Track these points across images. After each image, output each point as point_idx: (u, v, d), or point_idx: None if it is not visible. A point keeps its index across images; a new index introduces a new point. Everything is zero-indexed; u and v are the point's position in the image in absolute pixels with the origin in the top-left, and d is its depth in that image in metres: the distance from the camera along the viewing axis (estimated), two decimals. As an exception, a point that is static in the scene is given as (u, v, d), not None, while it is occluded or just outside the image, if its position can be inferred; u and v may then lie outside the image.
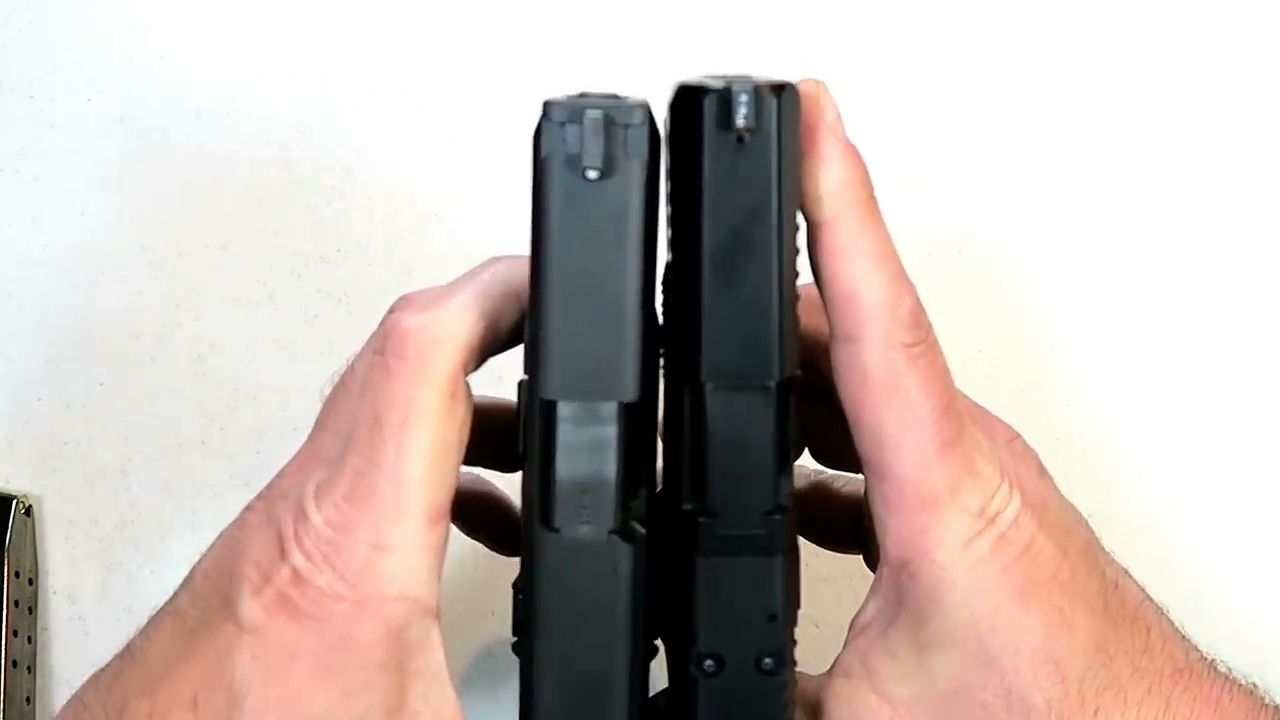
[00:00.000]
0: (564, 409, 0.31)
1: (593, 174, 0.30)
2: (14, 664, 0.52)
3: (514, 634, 0.34)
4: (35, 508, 0.54)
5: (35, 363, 0.55)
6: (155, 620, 0.34)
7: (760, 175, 0.30)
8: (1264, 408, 0.54)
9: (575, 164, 0.30)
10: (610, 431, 0.31)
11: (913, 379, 0.33)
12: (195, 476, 0.54)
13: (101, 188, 0.57)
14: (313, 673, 0.32)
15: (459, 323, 0.32)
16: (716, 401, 0.32)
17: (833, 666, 0.36)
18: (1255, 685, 0.36)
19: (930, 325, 0.33)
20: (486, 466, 0.42)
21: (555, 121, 0.30)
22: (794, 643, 0.34)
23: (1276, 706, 0.35)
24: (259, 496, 0.35)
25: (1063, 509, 0.36)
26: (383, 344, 0.33)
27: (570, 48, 0.57)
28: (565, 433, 0.31)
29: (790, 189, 0.31)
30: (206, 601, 0.33)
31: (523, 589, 0.33)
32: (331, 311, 0.55)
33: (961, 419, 0.34)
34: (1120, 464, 0.53)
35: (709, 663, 0.33)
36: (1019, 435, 0.38)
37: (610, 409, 0.31)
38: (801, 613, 0.35)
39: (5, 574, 0.52)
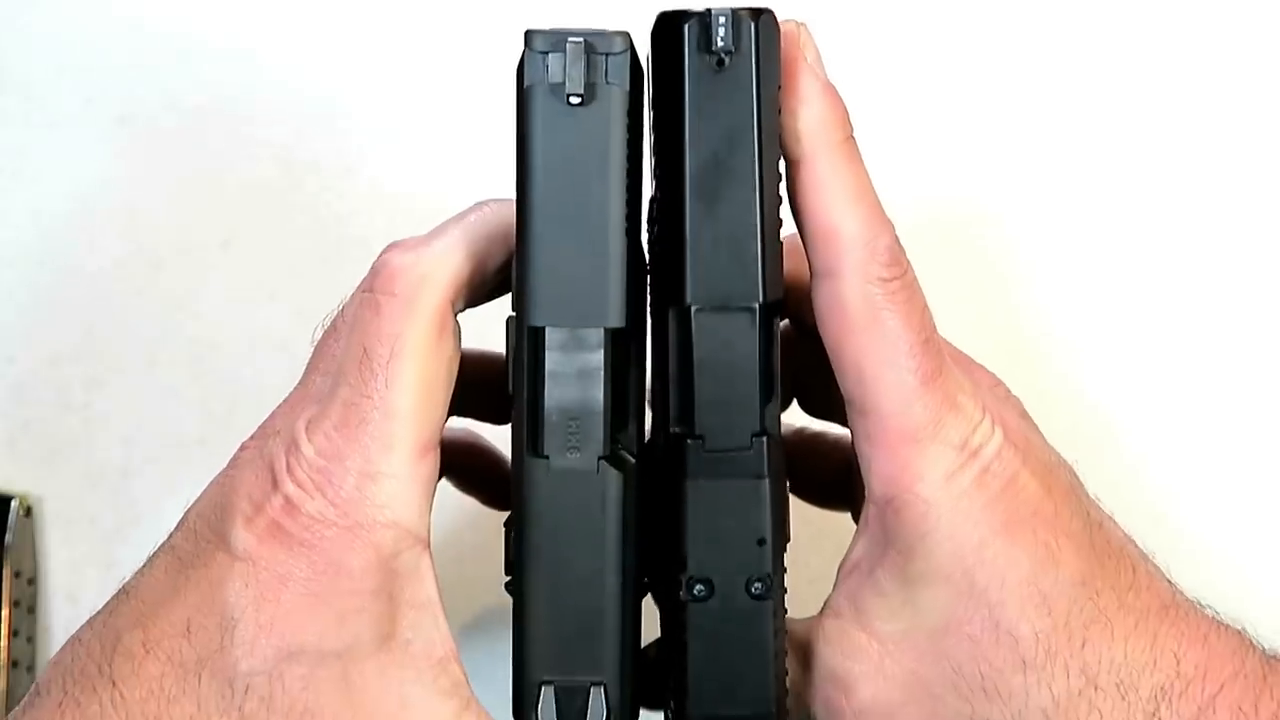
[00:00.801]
0: (551, 336, 0.32)
1: (575, 100, 0.31)
2: (14, 664, 0.52)
3: (506, 573, 0.34)
4: (35, 508, 0.54)
5: (35, 363, 0.55)
6: (150, 559, 0.35)
7: (740, 97, 0.31)
8: (1266, 391, 0.55)
9: (558, 91, 0.31)
10: (597, 358, 0.32)
11: (891, 313, 0.33)
12: (195, 476, 0.54)
13: (101, 188, 0.57)
14: (304, 598, 0.32)
15: (446, 260, 0.33)
16: (702, 324, 0.32)
17: (822, 608, 0.36)
18: (1243, 628, 0.36)
19: (909, 264, 0.34)
20: (477, 418, 0.42)
21: (537, 51, 0.31)
22: (784, 570, 0.34)
23: (1263, 648, 0.35)
24: (251, 437, 0.35)
25: (1045, 450, 0.36)
26: (371, 282, 0.33)
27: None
28: (553, 360, 0.32)
29: (769, 113, 0.32)
30: (200, 536, 0.34)
31: (513, 523, 0.34)
32: (331, 312, 0.55)
33: (942, 355, 0.34)
34: (1123, 461, 0.53)
35: (699, 588, 0.33)
36: (1002, 382, 0.38)
37: (596, 335, 0.32)
38: (791, 573, 0.35)
39: (5, 574, 0.52)
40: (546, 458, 0.32)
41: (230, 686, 0.32)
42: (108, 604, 0.34)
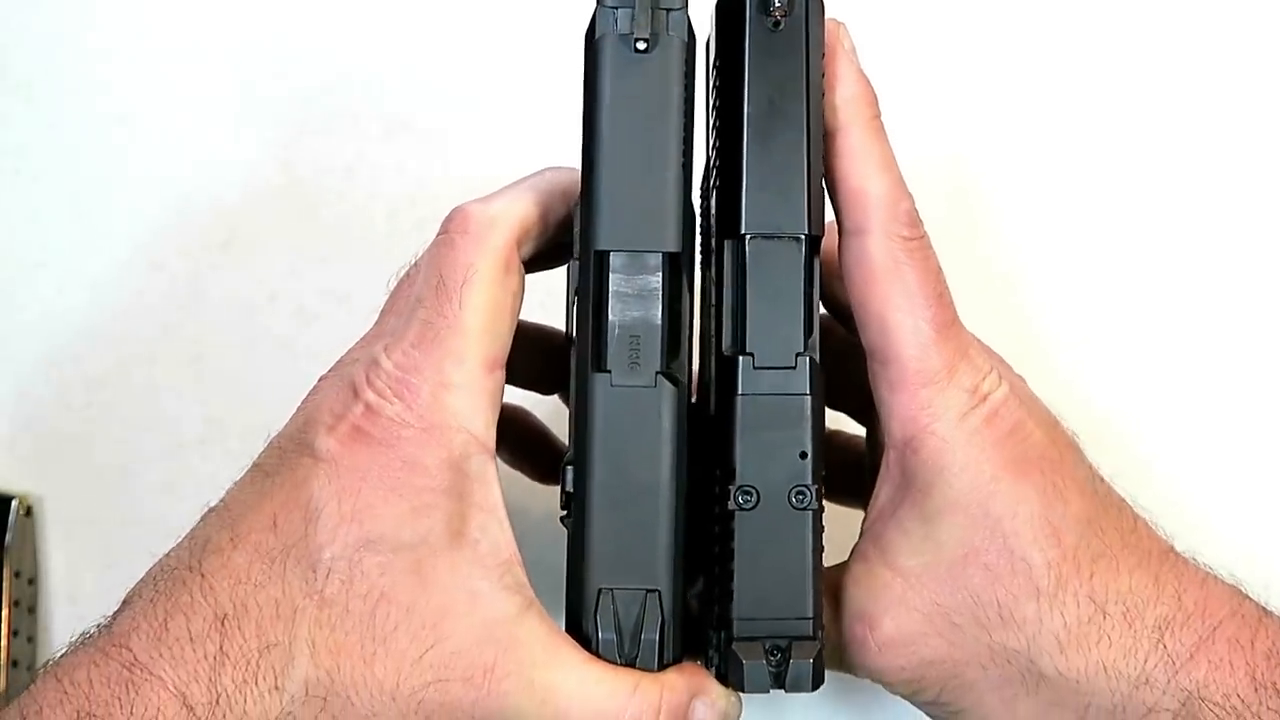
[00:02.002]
0: (615, 259, 0.35)
1: (641, 45, 0.35)
2: (14, 664, 0.52)
3: (562, 508, 0.37)
4: (35, 508, 0.54)
5: (35, 363, 0.55)
6: (238, 481, 0.37)
7: (793, 54, 0.36)
8: (1270, 388, 0.55)
9: (626, 40, 0.35)
10: (656, 280, 0.36)
11: (911, 267, 0.37)
12: (195, 476, 0.54)
13: (101, 188, 0.57)
14: (381, 492, 0.35)
15: (514, 206, 0.37)
16: (754, 250, 0.36)
17: (850, 554, 0.39)
18: (1239, 582, 0.38)
19: (925, 231, 0.38)
20: (527, 386, 0.45)
21: (608, 6, 0.36)
22: (823, 491, 0.37)
23: (1256, 602, 0.38)
24: (329, 369, 0.38)
25: (1047, 411, 0.40)
26: (446, 226, 0.37)
27: (569, 48, 0.57)
28: (616, 281, 0.36)
29: (816, 71, 0.36)
30: (284, 450, 0.37)
31: (572, 446, 0.36)
32: (332, 312, 0.55)
33: (954, 310, 0.38)
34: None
35: (746, 496, 0.36)
36: (1006, 362, 0.41)
37: (655, 259, 0.35)
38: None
39: (5, 574, 0.52)
40: (609, 372, 0.36)
41: (313, 570, 0.35)
42: (196, 524, 0.37)
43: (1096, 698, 0.37)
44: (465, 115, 0.58)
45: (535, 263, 0.39)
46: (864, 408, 0.42)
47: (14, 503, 0.53)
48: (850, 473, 0.44)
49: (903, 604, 0.38)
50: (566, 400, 0.40)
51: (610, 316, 0.36)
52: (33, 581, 0.53)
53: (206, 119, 0.57)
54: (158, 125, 0.57)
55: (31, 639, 0.53)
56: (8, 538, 0.52)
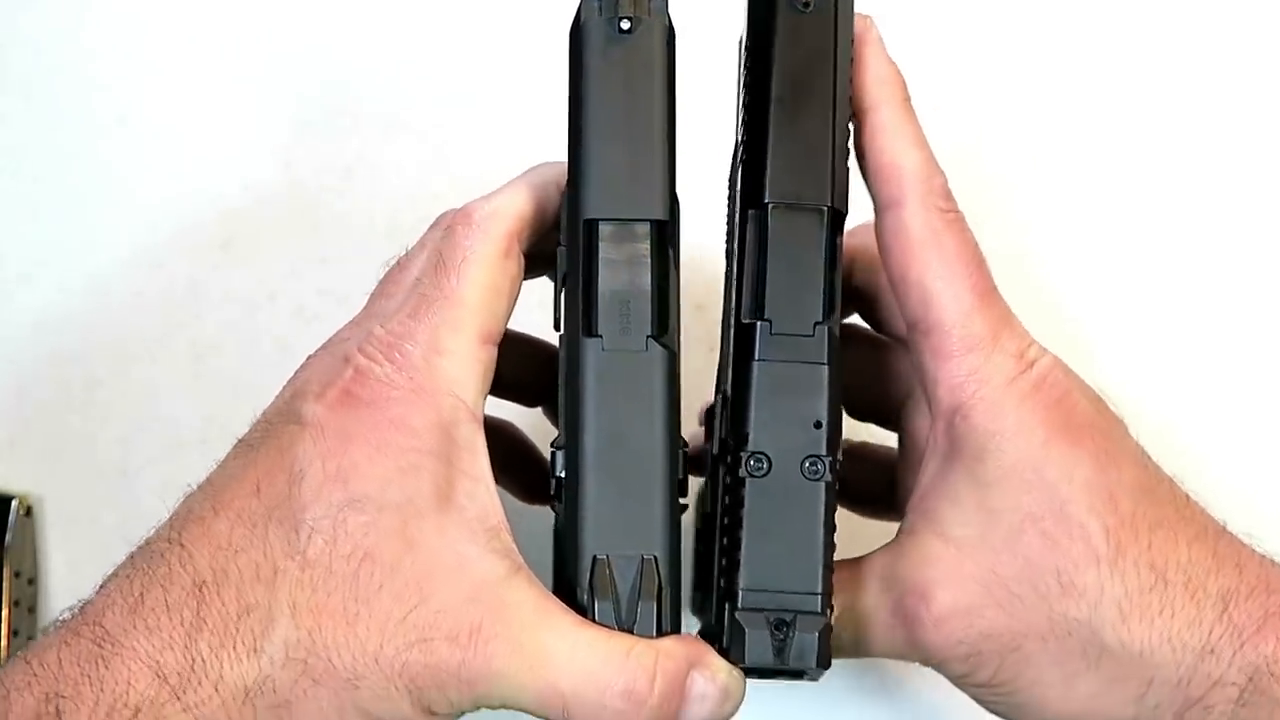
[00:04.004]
0: (604, 228, 0.36)
1: (625, 24, 0.36)
2: (14, 664, 0.52)
3: (552, 495, 0.37)
4: (35, 508, 0.54)
5: (35, 363, 0.55)
6: (225, 456, 0.37)
7: (821, 34, 0.37)
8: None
9: (611, 21, 0.36)
10: (644, 247, 0.36)
11: (950, 237, 0.37)
12: (195, 476, 0.54)
13: (101, 188, 0.57)
14: (367, 451, 0.35)
15: (513, 200, 0.37)
16: (777, 219, 0.36)
17: (897, 533, 0.38)
18: None
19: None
20: (514, 397, 0.44)
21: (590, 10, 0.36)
22: (839, 462, 0.36)
23: None
24: (319, 348, 0.38)
25: (1088, 385, 0.39)
26: (449, 220, 0.37)
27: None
28: (605, 249, 0.36)
29: (845, 51, 0.37)
30: (270, 423, 0.36)
31: (563, 417, 0.36)
32: (331, 311, 0.55)
33: (992, 280, 0.38)
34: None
35: (757, 462, 0.35)
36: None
37: (644, 227, 0.36)
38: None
39: (5, 574, 0.52)
40: (600, 337, 0.36)
41: (296, 532, 0.34)
42: (179, 503, 0.37)
43: (1161, 670, 0.36)
44: (465, 115, 0.58)
45: (532, 265, 0.39)
46: (892, 414, 0.42)
47: (14, 503, 0.53)
48: (881, 484, 0.43)
49: (957, 575, 0.37)
50: (551, 416, 0.40)
51: (600, 283, 0.36)
52: (33, 581, 0.53)
53: (206, 119, 0.57)
54: (157, 125, 0.57)
55: (32, 639, 0.53)
56: (8, 538, 0.52)
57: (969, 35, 0.59)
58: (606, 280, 0.36)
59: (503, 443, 0.45)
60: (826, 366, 0.36)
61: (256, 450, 0.36)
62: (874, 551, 0.38)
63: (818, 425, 0.36)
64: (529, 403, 0.46)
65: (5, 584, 0.52)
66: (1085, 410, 0.37)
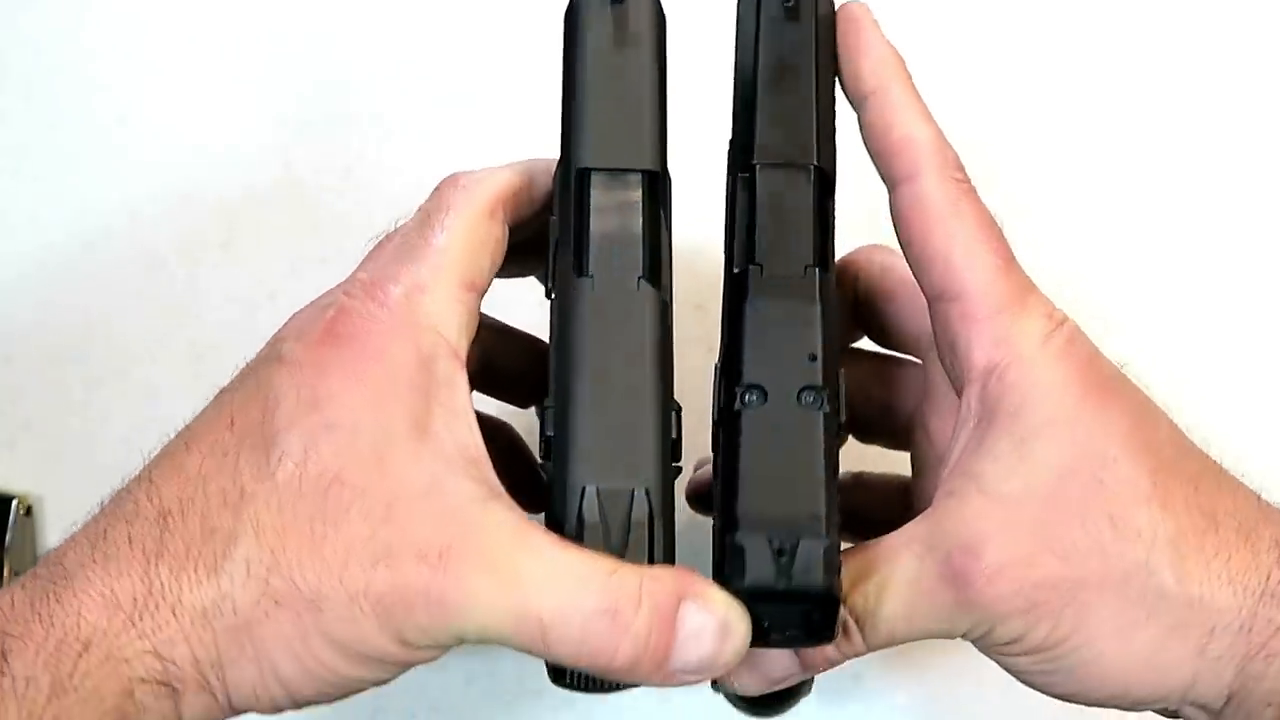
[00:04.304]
0: (596, 177, 0.36)
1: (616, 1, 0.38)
2: (14, 664, 0.52)
3: (542, 456, 0.36)
4: (35, 508, 0.54)
5: (35, 363, 0.55)
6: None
7: (805, 25, 0.39)
8: None
9: (603, 6, 0.38)
10: (636, 195, 0.36)
11: (968, 206, 0.37)
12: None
13: (102, 187, 0.57)
14: (344, 380, 0.34)
15: (501, 173, 0.38)
16: (765, 176, 0.37)
17: (935, 500, 0.37)
18: None
19: None
20: (506, 396, 0.44)
21: None
22: (840, 401, 0.36)
23: None
24: (305, 305, 0.38)
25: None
26: (439, 186, 0.38)
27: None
28: (597, 196, 0.36)
29: (826, 40, 0.39)
30: (250, 367, 0.36)
31: (553, 366, 0.36)
32: (331, 311, 0.55)
33: (1009, 246, 0.37)
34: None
35: (752, 394, 0.35)
36: None
37: (635, 177, 0.36)
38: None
39: (5, 574, 0.52)
40: (591, 277, 0.36)
41: (266, 456, 0.33)
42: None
43: (1221, 616, 0.35)
44: (464, 115, 0.58)
45: (521, 258, 0.39)
46: (900, 429, 0.42)
47: (14, 503, 0.53)
48: (884, 510, 0.43)
49: (1006, 527, 0.35)
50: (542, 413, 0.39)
51: (592, 228, 0.36)
52: (33, 581, 0.53)
53: (206, 119, 0.57)
54: (157, 125, 0.57)
55: (31, 639, 0.53)
56: (8, 538, 0.52)
57: (961, 31, 0.59)
58: (598, 225, 0.36)
59: (500, 443, 0.44)
60: (819, 305, 0.36)
61: (234, 392, 0.35)
62: (908, 523, 0.37)
63: (812, 358, 0.35)
64: (522, 403, 0.45)
65: (5, 584, 0.51)
66: (1113, 373, 0.37)
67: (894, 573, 0.36)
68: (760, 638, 0.34)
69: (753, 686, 0.37)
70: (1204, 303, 0.56)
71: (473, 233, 0.36)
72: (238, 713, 0.34)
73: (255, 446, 0.34)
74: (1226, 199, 0.58)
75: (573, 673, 0.35)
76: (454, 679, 0.55)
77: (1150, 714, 0.38)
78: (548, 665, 0.36)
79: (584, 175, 0.37)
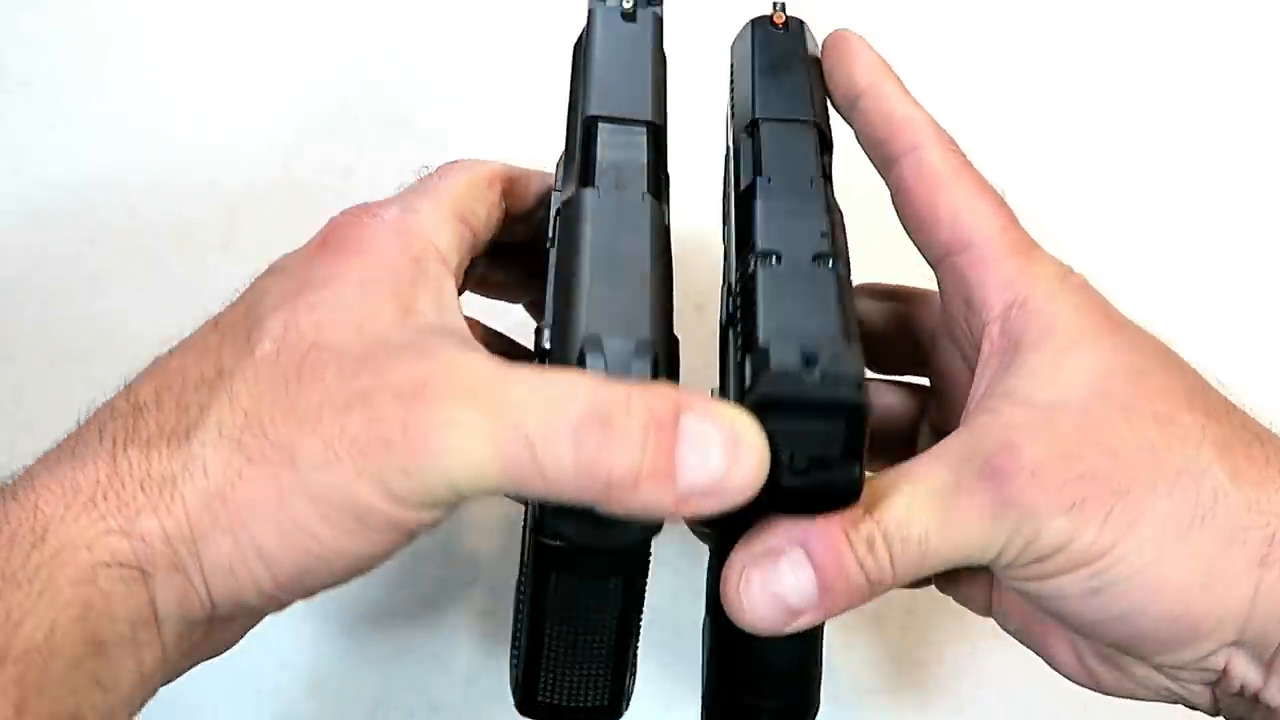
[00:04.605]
0: (603, 126, 0.38)
1: (628, 4, 0.41)
2: (14, 664, 0.51)
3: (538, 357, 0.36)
4: (35, 508, 0.54)
5: (35, 363, 0.55)
6: None
7: (793, 38, 0.42)
8: None
9: (614, 10, 0.41)
10: (640, 138, 0.38)
11: (969, 172, 0.38)
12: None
13: (102, 188, 0.57)
14: (331, 269, 0.34)
15: (499, 161, 0.40)
16: (768, 128, 0.39)
17: (964, 421, 0.35)
18: None
19: None
20: None
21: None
22: (850, 271, 0.36)
23: None
24: None
25: None
26: (439, 166, 0.39)
27: (568, 48, 0.57)
28: (603, 137, 0.38)
29: (810, 56, 0.41)
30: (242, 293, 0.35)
31: (553, 287, 0.36)
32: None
33: (1012, 210, 0.38)
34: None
35: (768, 259, 0.35)
36: None
37: (639, 127, 0.38)
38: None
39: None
40: (596, 188, 0.36)
41: (248, 338, 0.32)
42: None
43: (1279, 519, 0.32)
44: (465, 115, 0.58)
45: (505, 266, 0.40)
46: (918, 360, 0.43)
47: (14, 502, 0.52)
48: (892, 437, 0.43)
49: (1048, 427, 0.33)
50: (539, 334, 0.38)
51: (599, 155, 0.37)
52: (33, 581, 0.53)
53: (207, 118, 0.57)
54: (157, 125, 0.57)
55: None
56: (8, 537, 0.52)
57: (955, 37, 0.59)
58: (604, 155, 0.37)
59: (495, 349, 0.44)
60: (825, 199, 0.37)
61: (226, 306, 0.35)
62: (935, 445, 0.35)
63: (824, 235, 0.35)
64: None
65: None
66: (1126, 319, 0.37)
67: (926, 481, 0.33)
68: (775, 477, 0.31)
69: (766, 612, 0.33)
70: (1203, 304, 0.56)
71: (471, 184, 0.38)
72: (218, 604, 0.31)
73: (237, 335, 0.33)
74: (1221, 202, 0.58)
75: (542, 697, 0.36)
76: (454, 679, 0.56)
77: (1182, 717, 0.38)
78: (516, 690, 0.37)
79: (591, 123, 0.38)
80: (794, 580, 0.33)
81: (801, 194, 0.37)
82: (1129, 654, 0.35)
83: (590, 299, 0.33)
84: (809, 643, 0.39)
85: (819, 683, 0.40)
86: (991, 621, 0.41)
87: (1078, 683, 0.38)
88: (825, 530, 0.32)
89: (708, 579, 0.40)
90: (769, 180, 0.37)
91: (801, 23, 0.42)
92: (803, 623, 0.33)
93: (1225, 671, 0.34)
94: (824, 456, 0.31)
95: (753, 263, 0.35)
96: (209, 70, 0.58)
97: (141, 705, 0.31)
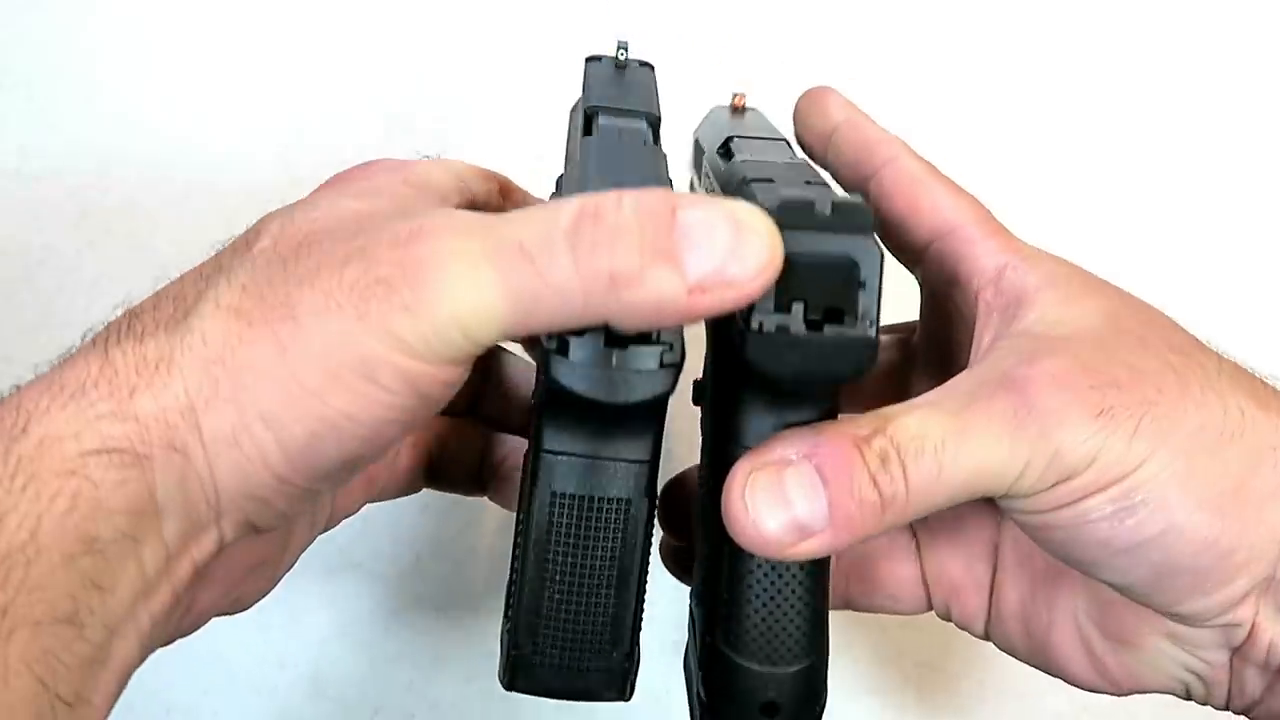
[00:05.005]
0: (604, 114, 0.39)
1: (620, 63, 0.43)
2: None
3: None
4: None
5: (35, 363, 0.55)
6: None
7: (757, 115, 0.45)
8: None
9: (609, 62, 0.44)
10: (640, 123, 0.39)
11: (943, 178, 0.38)
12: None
13: (102, 188, 0.57)
14: (331, 191, 0.34)
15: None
16: (741, 145, 0.40)
17: (974, 363, 0.35)
18: None
19: None
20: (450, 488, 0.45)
21: (598, 55, 0.44)
22: None
23: None
24: None
25: None
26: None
27: (568, 49, 0.57)
28: (605, 119, 0.39)
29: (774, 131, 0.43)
30: None
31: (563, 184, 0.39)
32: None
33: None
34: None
35: (760, 182, 0.35)
36: None
37: (639, 116, 0.39)
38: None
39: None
40: (598, 134, 0.38)
41: (249, 244, 0.31)
42: None
43: None
44: (465, 116, 0.58)
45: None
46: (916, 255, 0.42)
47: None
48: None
49: (1065, 347, 0.32)
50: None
51: (600, 125, 0.38)
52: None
53: (206, 118, 0.57)
54: (157, 125, 0.57)
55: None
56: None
57: (944, 43, 0.59)
58: (606, 124, 0.38)
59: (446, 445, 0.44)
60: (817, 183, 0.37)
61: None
62: (951, 380, 0.33)
63: (810, 183, 0.35)
64: (468, 491, 0.45)
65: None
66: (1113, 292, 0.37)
67: (940, 401, 0.32)
68: (784, 331, 0.30)
69: (773, 525, 0.31)
70: (1201, 304, 0.56)
71: (472, 168, 0.39)
72: (222, 491, 0.29)
73: (237, 243, 0.32)
74: (1215, 204, 0.57)
75: (538, 656, 0.34)
76: (454, 679, 0.56)
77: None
78: (508, 656, 0.35)
79: (593, 111, 0.39)
80: (802, 492, 0.31)
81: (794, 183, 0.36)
82: (1153, 603, 0.33)
83: (597, 170, 0.34)
84: (816, 586, 0.36)
85: (826, 658, 0.37)
86: (991, 621, 0.41)
87: (1085, 684, 0.38)
88: (834, 441, 0.31)
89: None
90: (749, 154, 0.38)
91: (758, 111, 0.45)
92: (811, 546, 0.31)
93: (1252, 631, 0.33)
94: (837, 306, 0.30)
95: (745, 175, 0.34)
96: (209, 70, 0.58)
97: (151, 629, 0.29)
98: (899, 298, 0.42)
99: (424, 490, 0.45)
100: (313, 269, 0.29)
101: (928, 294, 0.40)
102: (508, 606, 0.36)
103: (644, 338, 0.31)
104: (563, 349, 0.31)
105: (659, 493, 0.35)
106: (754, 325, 0.30)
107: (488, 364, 0.45)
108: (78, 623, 0.27)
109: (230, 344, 0.29)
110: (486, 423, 0.45)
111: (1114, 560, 0.32)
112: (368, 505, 0.42)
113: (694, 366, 0.41)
